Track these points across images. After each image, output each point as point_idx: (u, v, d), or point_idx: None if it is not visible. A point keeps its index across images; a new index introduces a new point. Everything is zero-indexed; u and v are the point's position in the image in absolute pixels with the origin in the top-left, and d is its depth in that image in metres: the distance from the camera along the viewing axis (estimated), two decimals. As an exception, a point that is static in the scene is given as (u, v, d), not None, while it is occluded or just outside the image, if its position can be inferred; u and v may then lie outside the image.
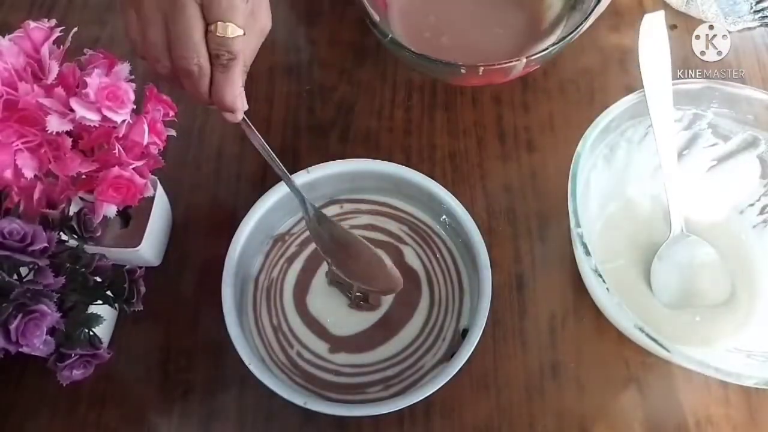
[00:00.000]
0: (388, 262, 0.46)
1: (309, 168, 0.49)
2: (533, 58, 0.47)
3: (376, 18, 0.51)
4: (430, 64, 0.49)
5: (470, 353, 0.42)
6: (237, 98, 0.36)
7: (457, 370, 0.42)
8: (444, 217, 0.50)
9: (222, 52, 0.34)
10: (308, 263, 0.50)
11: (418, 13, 0.57)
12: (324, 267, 0.50)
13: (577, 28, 0.48)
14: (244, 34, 0.34)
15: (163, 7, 0.33)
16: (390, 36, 0.49)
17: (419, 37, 0.56)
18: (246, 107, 0.37)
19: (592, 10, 0.49)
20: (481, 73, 0.48)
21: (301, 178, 0.49)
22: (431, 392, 0.41)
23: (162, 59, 0.34)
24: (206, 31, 0.33)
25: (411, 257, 0.50)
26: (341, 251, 0.46)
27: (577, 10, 0.53)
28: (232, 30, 0.34)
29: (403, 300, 0.49)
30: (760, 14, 0.62)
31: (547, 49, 0.48)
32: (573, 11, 0.54)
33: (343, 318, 0.48)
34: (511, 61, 0.47)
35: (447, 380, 0.41)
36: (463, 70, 0.48)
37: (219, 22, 0.33)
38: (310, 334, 0.48)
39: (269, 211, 0.48)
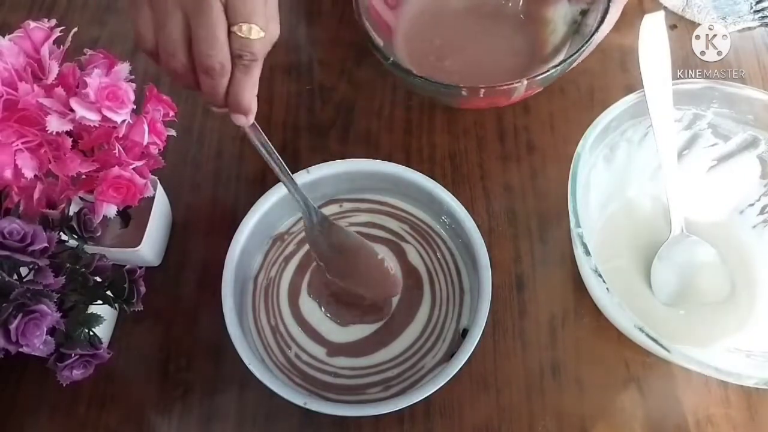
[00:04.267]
0: (391, 265, 0.45)
1: (309, 168, 0.49)
2: (535, 80, 0.48)
3: (379, 42, 0.52)
4: (431, 87, 0.49)
5: (470, 353, 0.42)
6: (254, 100, 0.36)
7: (457, 370, 0.42)
8: (444, 217, 0.50)
9: (245, 52, 0.34)
10: (302, 263, 0.50)
11: (424, 37, 0.58)
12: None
13: (577, 51, 0.49)
14: (265, 36, 0.35)
15: (185, 3, 0.33)
16: (391, 59, 0.50)
17: (424, 60, 0.57)
18: (255, 110, 0.37)
19: (593, 35, 0.50)
20: (482, 95, 0.49)
21: (301, 178, 0.49)
22: (431, 392, 0.41)
23: (177, 54, 0.34)
24: (229, 31, 0.34)
25: (413, 255, 0.50)
26: (341, 258, 0.46)
27: (580, 35, 0.54)
28: (255, 31, 0.34)
29: (406, 300, 0.49)
30: (760, 14, 0.62)
31: (548, 71, 0.48)
32: (576, 35, 0.54)
33: (340, 326, 0.48)
34: (513, 83, 0.48)
35: (447, 380, 0.41)
36: (464, 92, 0.49)
37: (243, 24, 0.34)
38: (306, 338, 0.47)
39: (269, 211, 0.48)
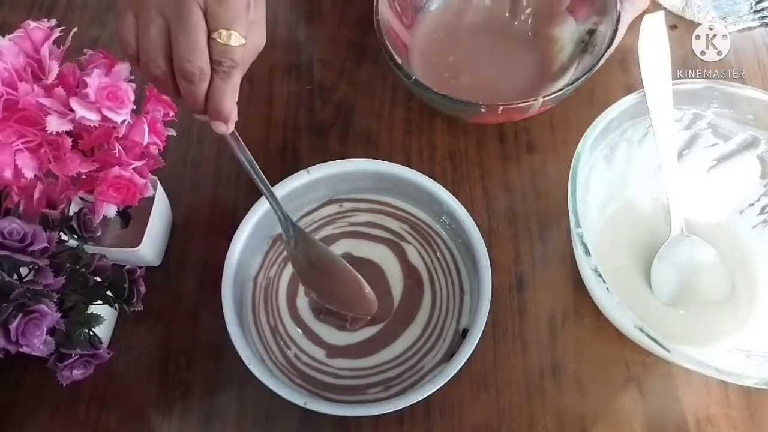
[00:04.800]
0: (366, 287, 0.46)
1: (309, 168, 0.49)
2: (549, 98, 0.49)
3: (399, 61, 0.53)
4: (452, 104, 0.51)
5: (470, 353, 0.42)
6: (234, 107, 0.36)
7: (457, 370, 0.42)
8: (444, 217, 0.50)
9: (224, 59, 0.34)
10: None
11: (438, 54, 0.60)
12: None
13: (590, 69, 0.50)
14: (245, 44, 0.35)
15: (167, 9, 0.34)
16: (413, 78, 0.51)
17: (438, 76, 0.58)
18: (236, 119, 0.37)
19: (603, 54, 0.51)
20: (500, 112, 0.51)
21: (301, 178, 0.49)
22: (431, 392, 0.41)
23: (158, 59, 0.34)
24: (209, 38, 0.34)
25: (413, 255, 0.50)
26: (317, 273, 0.46)
27: (588, 53, 0.55)
28: (235, 38, 0.34)
29: (406, 301, 0.49)
30: (760, 14, 0.62)
31: (562, 89, 0.50)
32: (584, 54, 0.56)
33: (336, 330, 0.48)
34: (529, 101, 0.49)
35: (447, 380, 0.41)
36: (483, 110, 0.50)
37: (223, 30, 0.34)
38: (305, 339, 0.47)
39: (269, 211, 0.48)
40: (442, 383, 0.41)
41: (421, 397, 0.41)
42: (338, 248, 0.51)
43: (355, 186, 0.52)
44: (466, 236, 0.46)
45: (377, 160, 0.50)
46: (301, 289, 0.49)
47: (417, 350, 0.47)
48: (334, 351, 0.47)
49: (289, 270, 0.50)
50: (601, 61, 0.51)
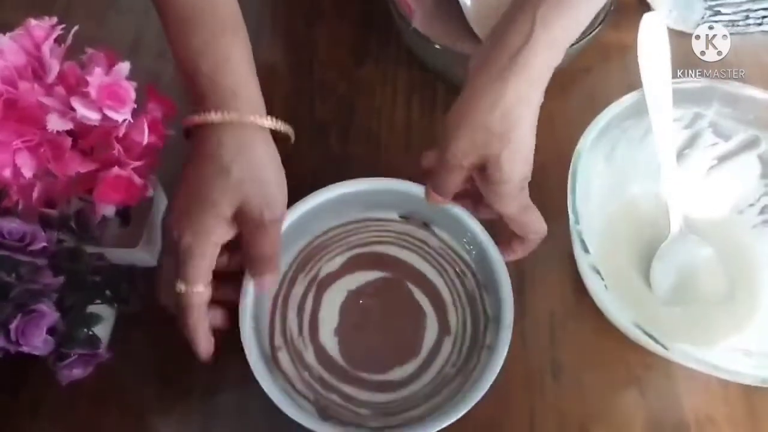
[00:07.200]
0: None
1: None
2: None
3: (402, 12, 0.55)
4: (445, 56, 0.53)
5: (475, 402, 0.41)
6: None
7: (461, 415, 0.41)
8: (465, 241, 0.49)
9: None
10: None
11: (441, 19, 0.61)
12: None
13: (575, 43, 0.51)
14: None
15: None
16: (412, 26, 0.53)
17: (437, 41, 0.58)
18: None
19: (591, 33, 0.53)
20: None
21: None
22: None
23: None
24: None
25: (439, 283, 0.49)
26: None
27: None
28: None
29: (434, 336, 0.47)
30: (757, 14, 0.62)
31: None
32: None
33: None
34: None
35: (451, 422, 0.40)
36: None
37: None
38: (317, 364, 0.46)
39: None
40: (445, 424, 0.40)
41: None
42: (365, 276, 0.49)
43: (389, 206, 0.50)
44: (491, 271, 0.46)
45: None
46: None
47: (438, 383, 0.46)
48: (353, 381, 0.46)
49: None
50: (588, 39, 0.53)
